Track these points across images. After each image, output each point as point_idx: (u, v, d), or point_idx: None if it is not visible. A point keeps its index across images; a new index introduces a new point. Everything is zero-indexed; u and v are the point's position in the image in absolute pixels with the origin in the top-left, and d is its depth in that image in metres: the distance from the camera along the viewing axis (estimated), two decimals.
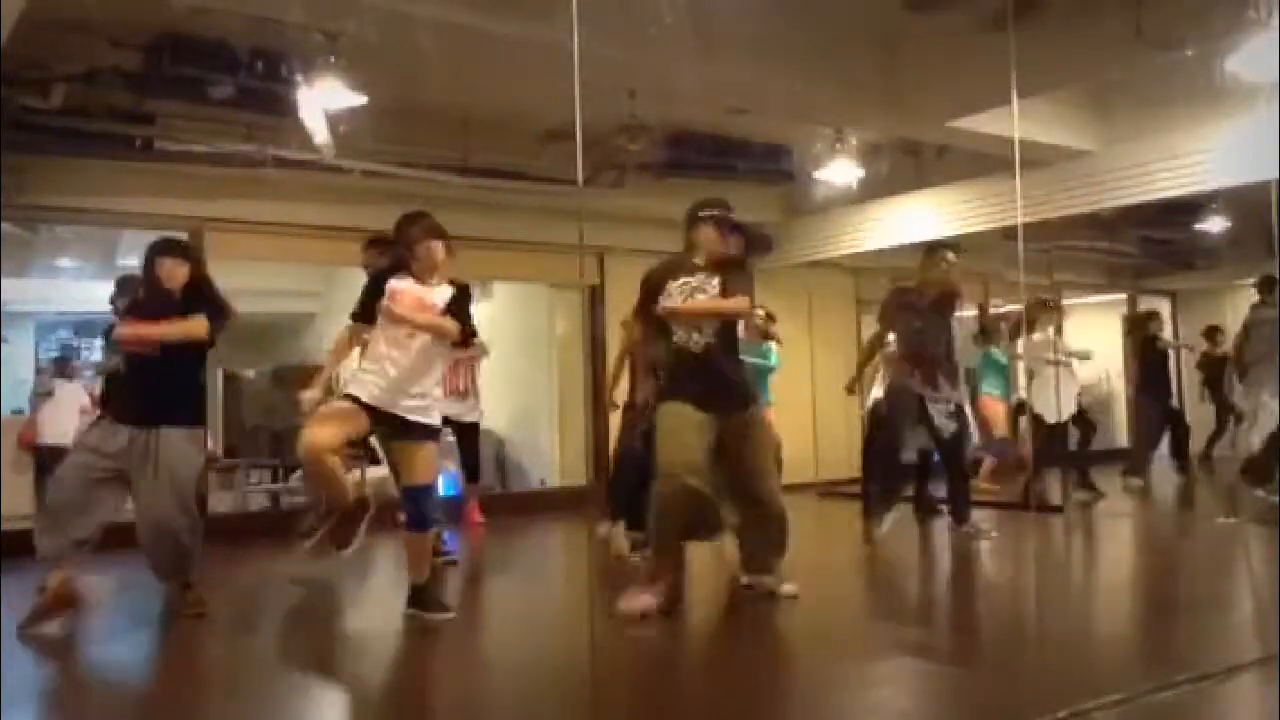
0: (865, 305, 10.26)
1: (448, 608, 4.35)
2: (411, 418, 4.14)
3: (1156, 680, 3.16)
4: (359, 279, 4.68)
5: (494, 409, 9.80)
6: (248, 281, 9.30)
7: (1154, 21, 5.33)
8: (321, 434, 3.94)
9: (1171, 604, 4.77)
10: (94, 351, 11.12)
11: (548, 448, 9.79)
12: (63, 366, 8.59)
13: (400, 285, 4.21)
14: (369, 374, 4.15)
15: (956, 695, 3.35)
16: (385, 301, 4.14)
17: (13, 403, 9.92)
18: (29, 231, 7.88)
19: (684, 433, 4.32)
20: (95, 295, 10.41)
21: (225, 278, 7.79)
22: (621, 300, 9.44)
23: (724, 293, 4.42)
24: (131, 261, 9.10)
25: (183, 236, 5.58)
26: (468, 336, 4.32)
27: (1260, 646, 3.64)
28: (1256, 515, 6.46)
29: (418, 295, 4.19)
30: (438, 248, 4.24)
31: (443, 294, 4.23)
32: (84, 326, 11.17)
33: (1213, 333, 9.60)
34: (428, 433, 4.21)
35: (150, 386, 4.41)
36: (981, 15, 5.63)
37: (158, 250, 4.56)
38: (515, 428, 10.10)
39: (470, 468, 6.95)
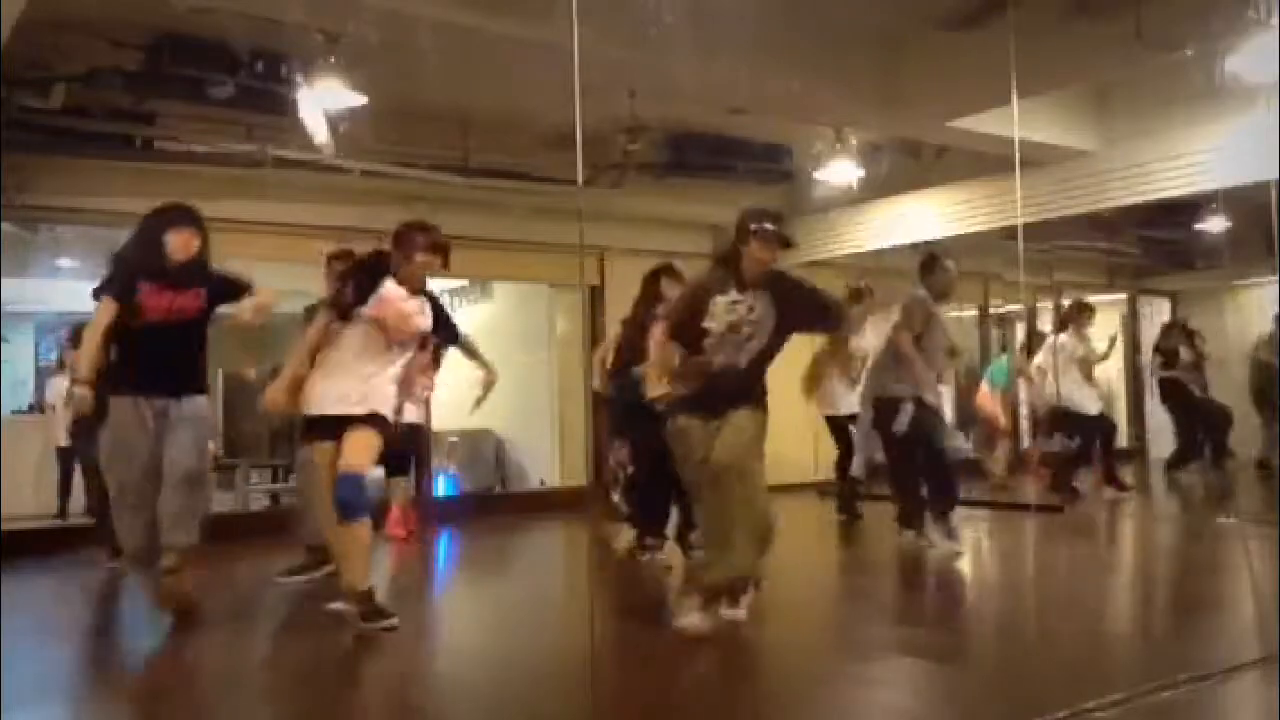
0: None
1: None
2: None
3: (1156, 680, 3.16)
4: None
5: (494, 409, 9.80)
6: None
7: (1154, 21, 5.33)
8: None
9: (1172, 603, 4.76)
10: None
11: (548, 448, 9.79)
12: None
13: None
14: None
15: (956, 695, 3.35)
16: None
17: (13, 403, 9.91)
18: (29, 231, 7.87)
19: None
20: None
21: None
22: (622, 300, 9.44)
23: (780, 319, 4.04)
24: None
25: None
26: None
27: (1260, 646, 3.64)
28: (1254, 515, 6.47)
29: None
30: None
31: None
32: (84, 326, 11.12)
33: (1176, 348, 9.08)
34: None
35: None
36: None
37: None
38: (515, 428, 10.10)
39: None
